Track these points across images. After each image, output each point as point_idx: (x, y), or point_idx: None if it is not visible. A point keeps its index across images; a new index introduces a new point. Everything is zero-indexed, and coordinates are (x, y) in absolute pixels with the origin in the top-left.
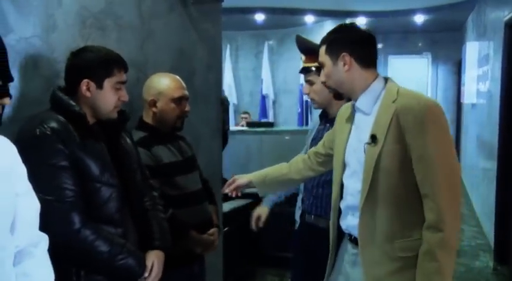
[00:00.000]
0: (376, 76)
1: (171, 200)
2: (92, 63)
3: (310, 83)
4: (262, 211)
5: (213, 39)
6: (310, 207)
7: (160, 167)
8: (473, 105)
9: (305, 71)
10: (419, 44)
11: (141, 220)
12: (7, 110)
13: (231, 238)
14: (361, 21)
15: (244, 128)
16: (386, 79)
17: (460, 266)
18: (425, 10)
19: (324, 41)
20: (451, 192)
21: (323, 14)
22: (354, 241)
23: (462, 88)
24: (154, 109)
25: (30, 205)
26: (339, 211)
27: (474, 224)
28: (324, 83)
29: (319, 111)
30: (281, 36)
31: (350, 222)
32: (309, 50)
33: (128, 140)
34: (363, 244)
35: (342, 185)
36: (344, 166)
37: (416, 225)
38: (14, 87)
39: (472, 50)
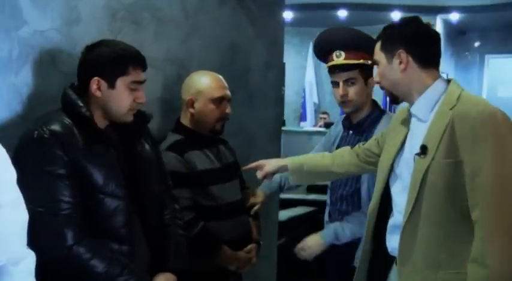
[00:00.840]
0: (437, 77)
1: (204, 211)
2: (103, 60)
3: (351, 82)
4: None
5: (274, 35)
6: (335, 220)
7: (193, 174)
8: None
9: (346, 69)
10: None
11: (156, 237)
12: (17, 108)
13: (287, 249)
14: (454, 17)
15: (322, 128)
16: (449, 81)
17: None
18: None
19: (379, 36)
20: (504, 220)
21: (411, 9)
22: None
23: None
24: (191, 110)
25: (15, 217)
26: (379, 227)
27: None
28: (378, 83)
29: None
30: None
31: (392, 242)
32: (350, 43)
33: (147, 146)
34: (401, 265)
35: (383, 197)
36: (389, 175)
37: (465, 256)
38: (26, 85)
39: None
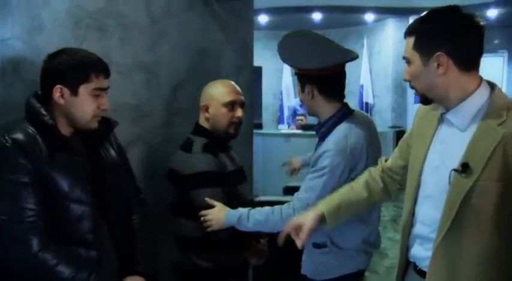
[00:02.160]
0: (480, 82)
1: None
2: (65, 67)
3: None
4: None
5: (244, 38)
6: None
7: (225, 175)
8: None
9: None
10: (495, 41)
11: (124, 241)
12: None
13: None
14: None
15: (299, 131)
16: (492, 87)
17: None
18: (499, 3)
19: (412, 31)
20: None
21: (384, 11)
22: (420, 273)
23: None
24: (207, 115)
25: None
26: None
27: None
28: (407, 81)
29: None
30: (341, 36)
31: (417, 252)
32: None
33: (113, 152)
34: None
35: (415, 202)
36: (419, 184)
37: (500, 276)
38: None
39: None
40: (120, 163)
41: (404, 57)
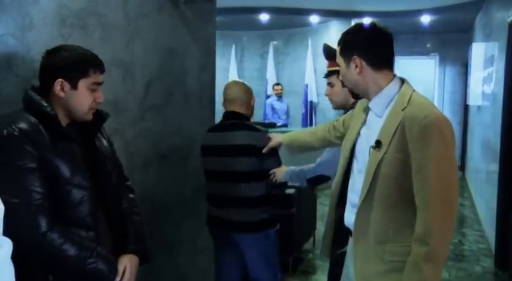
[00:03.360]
0: (392, 78)
1: None
2: (66, 63)
3: (330, 85)
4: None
5: (207, 39)
6: None
7: None
8: (478, 107)
9: (327, 74)
10: (428, 45)
11: (117, 223)
12: None
13: None
14: (366, 22)
15: None
16: (402, 81)
17: (460, 271)
18: (432, 10)
19: (339, 42)
20: (443, 207)
21: (328, 14)
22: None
23: (468, 90)
24: (248, 106)
25: None
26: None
27: (477, 229)
28: (342, 82)
29: (324, 112)
30: (287, 37)
31: (349, 218)
32: (330, 55)
33: (105, 141)
34: (356, 241)
35: (344, 176)
36: (349, 158)
37: (409, 232)
38: None
39: (478, 51)
40: (110, 152)
41: (337, 64)
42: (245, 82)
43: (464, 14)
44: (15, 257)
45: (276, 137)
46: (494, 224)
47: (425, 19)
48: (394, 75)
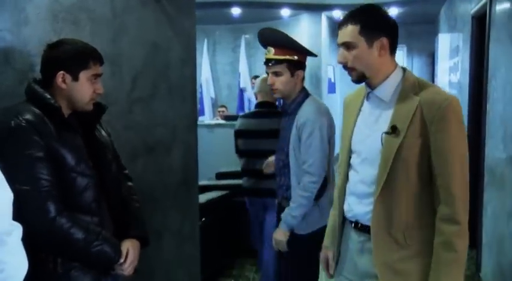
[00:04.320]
0: (396, 64)
1: None
2: (68, 56)
3: (277, 74)
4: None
5: (188, 33)
6: (276, 191)
7: None
8: None
9: (274, 62)
10: None
11: (118, 210)
12: None
13: (209, 229)
14: (336, 15)
15: (221, 121)
16: (404, 69)
17: None
18: (400, 3)
19: (357, 20)
20: (465, 184)
21: (299, 7)
22: (361, 228)
23: (435, 79)
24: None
25: (2, 197)
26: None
27: None
28: (342, 64)
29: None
30: (258, 30)
31: (358, 210)
32: (279, 42)
33: (103, 131)
34: (375, 232)
35: (347, 170)
36: (349, 152)
37: (428, 216)
38: None
39: (444, 42)
40: (109, 141)
41: (344, 43)
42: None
43: (430, 6)
44: (26, 241)
45: (330, 253)
46: None
47: (393, 11)
48: (396, 63)
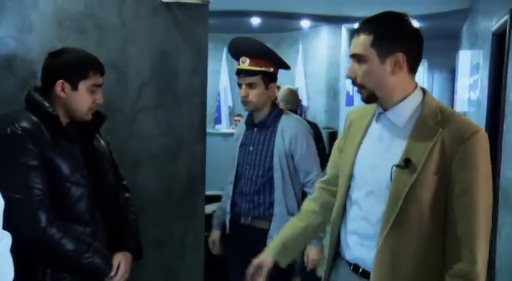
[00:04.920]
0: (416, 85)
1: None
2: (67, 65)
3: (252, 86)
4: (214, 236)
5: (199, 42)
6: (247, 211)
7: None
8: (465, 113)
9: (249, 74)
10: None
11: (112, 221)
12: None
13: None
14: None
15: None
16: (424, 91)
17: None
18: (420, 17)
19: (370, 29)
20: (487, 239)
21: (319, 19)
22: (363, 274)
23: (455, 96)
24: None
25: None
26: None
27: None
28: (352, 79)
29: (313, 116)
30: (277, 41)
31: (360, 253)
32: (255, 52)
33: (102, 141)
34: (377, 279)
35: (345, 201)
36: (349, 179)
37: (438, 270)
38: None
39: (465, 58)
40: (107, 151)
41: (355, 55)
42: (291, 87)
43: (452, 21)
44: (16, 250)
45: (266, 260)
46: None
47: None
48: (416, 83)
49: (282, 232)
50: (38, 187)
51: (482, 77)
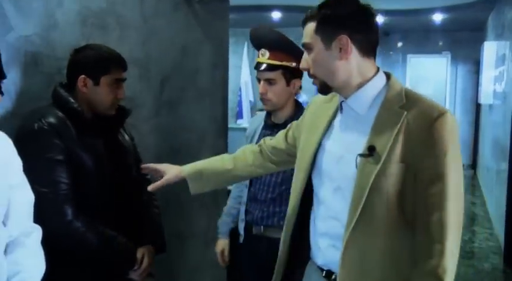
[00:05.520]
0: (377, 70)
1: None
2: (89, 60)
3: (271, 82)
4: (223, 245)
5: (220, 37)
6: (260, 219)
7: None
8: (490, 106)
9: (266, 68)
10: (440, 43)
11: (136, 215)
12: (7, 105)
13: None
14: (379, 20)
15: None
16: (388, 75)
17: (469, 268)
18: (444, 9)
19: (313, 16)
20: (458, 232)
21: None
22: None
23: (479, 88)
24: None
25: (24, 197)
26: (299, 232)
27: (487, 227)
28: (306, 70)
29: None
30: (298, 34)
31: (332, 256)
32: (275, 44)
33: (126, 136)
34: None
35: (302, 197)
36: (308, 174)
37: (408, 266)
38: (13, 84)
39: (490, 50)
40: (131, 146)
41: (303, 44)
42: None
43: (477, 12)
44: (44, 243)
45: (171, 172)
46: (503, 222)
47: (437, 17)
48: (378, 68)
49: (208, 161)
50: (64, 181)
51: (509, 69)
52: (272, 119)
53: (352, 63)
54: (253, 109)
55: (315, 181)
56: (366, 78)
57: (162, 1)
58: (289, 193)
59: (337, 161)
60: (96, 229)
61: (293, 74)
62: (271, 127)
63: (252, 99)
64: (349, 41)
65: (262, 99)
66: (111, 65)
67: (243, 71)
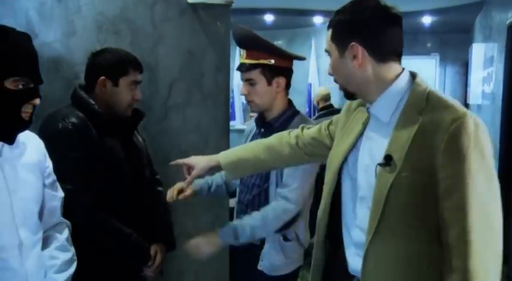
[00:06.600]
0: (401, 72)
1: None
2: (109, 62)
3: (251, 82)
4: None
5: (222, 41)
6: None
7: None
8: (478, 106)
9: (245, 68)
10: (428, 45)
11: (149, 213)
12: None
13: None
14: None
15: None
16: (414, 76)
17: None
18: (433, 11)
19: (330, 23)
20: (485, 243)
21: (331, 15)
22: None
23: (468, 89)
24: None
25: (55, 195)
26: (336, 238)
27: None
28: (331, 75)
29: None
30: (290, 36)
31: (354, 264)
32: (249, 43)
33: (140, 137)
34: None
35: (332, 203)
36: (336, 180)
37: (430, 276)
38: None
39: (478, 51)
40: (144, 147)
41: (326, 50)
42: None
43: (465, 15)
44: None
45: (201, 164)
46: None
47: (426, 20)
48: (403, 69)
49: (244, 149)
50: (85, 179)
51: (497, 70)
52: (262, 118)
53: (368, 70)
54: (245, 111)
55: (342, 185)
56: (386, 83)
57: (170, 7)
58: (266, 196)
59: (365, 170)
60: (114, 226)
61: (274, 72)
62: (259, 127)
63: (244, 100)
64: (361, 49)
65: (247, 101)
66: (130, 67)
67: (236, 73)
